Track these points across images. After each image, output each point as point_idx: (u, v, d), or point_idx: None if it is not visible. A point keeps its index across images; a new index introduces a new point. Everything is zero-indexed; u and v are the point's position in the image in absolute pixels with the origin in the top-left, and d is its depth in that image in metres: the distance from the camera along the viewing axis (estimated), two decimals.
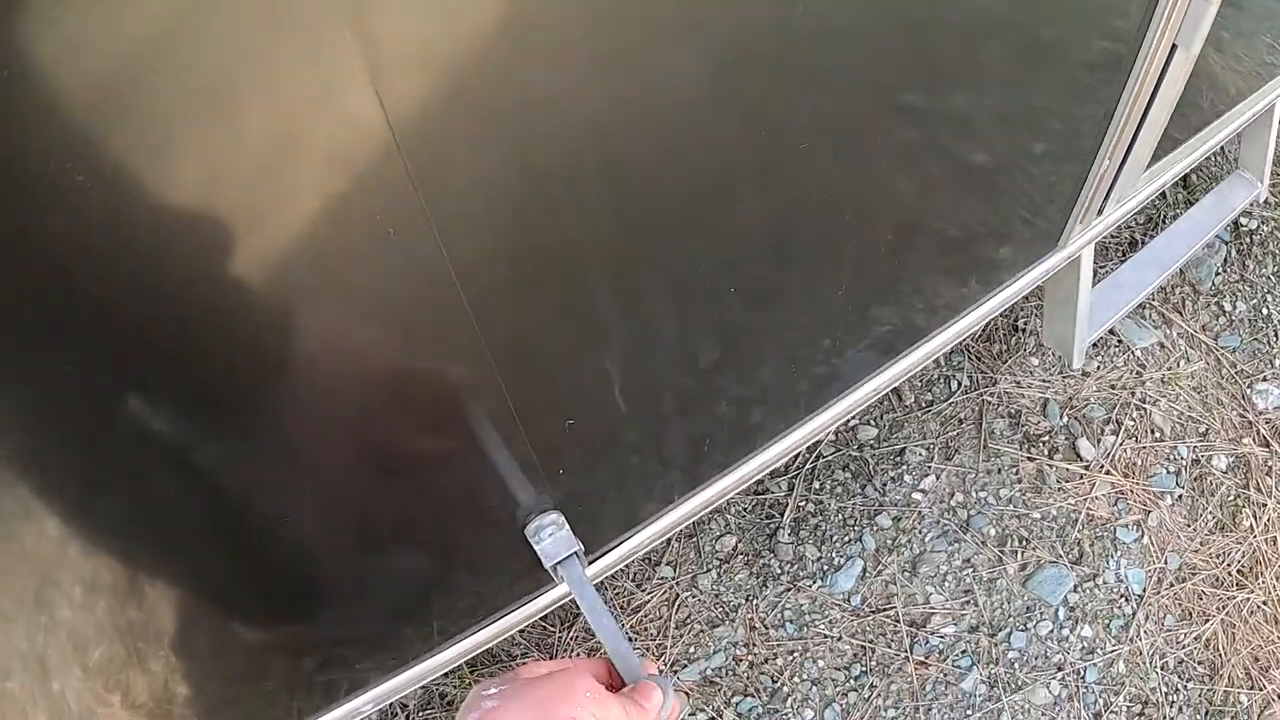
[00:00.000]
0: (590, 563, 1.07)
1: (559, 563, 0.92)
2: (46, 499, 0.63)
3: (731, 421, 1.04)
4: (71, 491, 0.64)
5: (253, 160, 0.52)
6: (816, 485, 1.60)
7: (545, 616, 1.52)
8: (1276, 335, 1.96)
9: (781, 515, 1.58)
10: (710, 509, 1.09)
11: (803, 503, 1.59)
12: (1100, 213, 1.20)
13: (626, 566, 1.54)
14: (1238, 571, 1.69)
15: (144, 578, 0.74)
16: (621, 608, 1.52)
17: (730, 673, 1.50)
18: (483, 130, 0.60)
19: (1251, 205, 1.99)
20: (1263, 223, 2.10)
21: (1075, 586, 1.61)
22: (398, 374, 0.72)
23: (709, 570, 1.54)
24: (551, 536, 0.92)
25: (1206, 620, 1.64)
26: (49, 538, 0.65)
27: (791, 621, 1.52)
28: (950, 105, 0.95)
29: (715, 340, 0.93)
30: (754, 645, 1.51)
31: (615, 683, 0.83)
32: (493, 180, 0.63)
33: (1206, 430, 1.80)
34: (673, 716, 0.80)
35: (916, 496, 1.61)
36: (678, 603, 1.52)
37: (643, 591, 1.53)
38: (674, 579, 1.54)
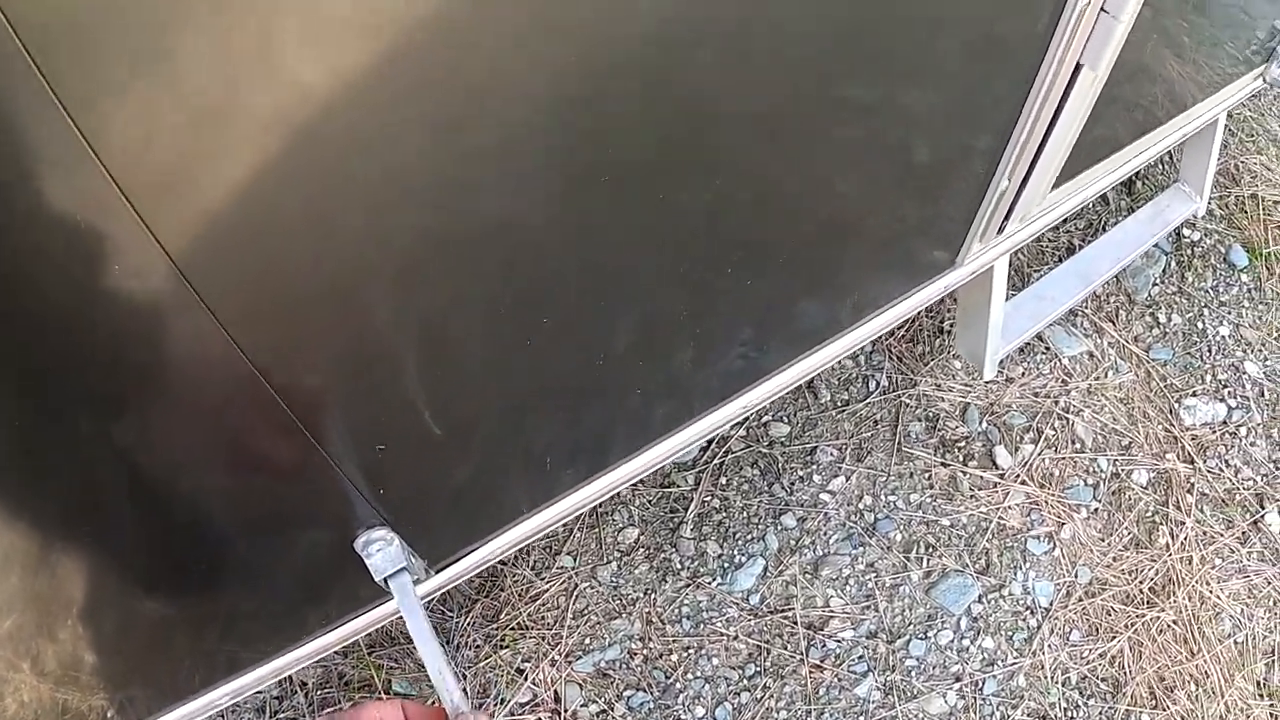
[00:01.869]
0: (437, 571, 1.06)
1: (389, 577, 0.91)
2: None
3: (573, 441, 1.02)
4: None
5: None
6: (723, 481, 1.59)
7: (446, 603, 1.51)
8: (1211, 350, 1.96)
9: (686, 510, 1.57)
10: (570, 518, 1.07)
11: (708, 498, 1.58)
12: (1001, 231, 1.18)
13: (526, 554, 1.52)
14: (1149, 589, 1.69)
15: (54, 553, 0.78)
16: (519, 595, 1.51)
17: (624, 666, 1.49)
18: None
19: (1193, 218, 1.97)
20: (1205, 235, 2.09)
21: (980, 597, 1.60)
22: (200, 412, 0.72)
23: (609, 562, 1.53)
24: (380, 551, 0.92)
25: (1113, 637, 1.64)
26: None
27: (689, 618, 1.51)
28: (849, 117, 0.92)
29: (536, 367, 0.91)
30: (649, 639, 1.50)
31: None
32: (267, 230, 0.62)
33: (1129, 444, 1.80)
34: None
35: (824, 497, 1.60)
36: (576, 593, 1.51)
37: (542, 580, 1.51)
38: (574, 569, 1.52)
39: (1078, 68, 1.06)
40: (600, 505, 1.58)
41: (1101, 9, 1.01)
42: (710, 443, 1.62)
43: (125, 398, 0.68)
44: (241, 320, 0.64)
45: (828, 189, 1.01)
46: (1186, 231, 2.06)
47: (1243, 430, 1.89)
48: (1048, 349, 1.83)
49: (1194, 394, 1.89)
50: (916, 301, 1.23)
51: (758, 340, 1.08)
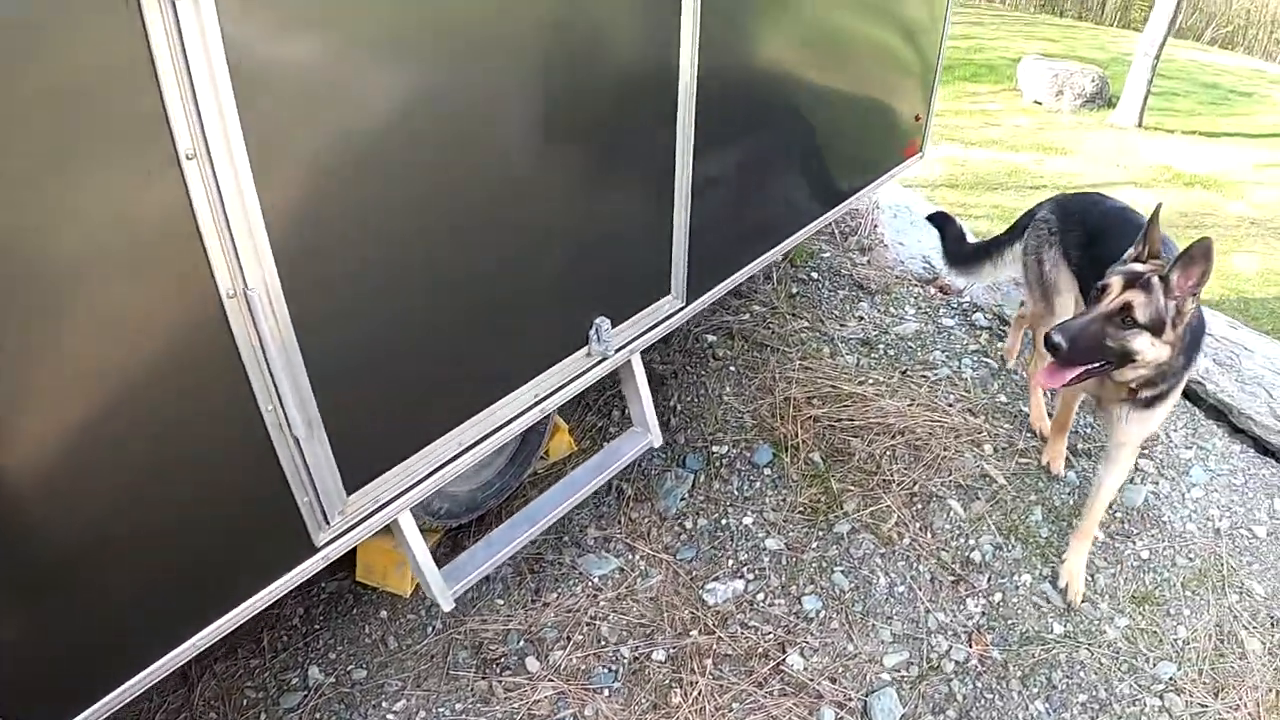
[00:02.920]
0: None
1: None
2: None
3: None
4: None
5: None
6: (318, 716, 2.27)
7: None
8: (733, 539, 2.56)
9: None
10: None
11: None
12: (330, 523, 1.91)
13: None
14: None
15: None
16: None
17: None
18: None
19: (651, 450, 2.63)
20: (733, 446, 2.75)
21: None
22: None
23: None
24: None
25: None
26: None
27: None
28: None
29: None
30: None
31: None
32: None
33: (653, 632, 2.39)
34: None
35: (389, 717, 2.26)
36: None
37: None
38: None
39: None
40: None
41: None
42: (309, 689, 2.32)
43: None
44: None
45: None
46: (716, 449, 2.73)
47: (760, 596, 2.45)
48: (581, 574, 2.49)
49: (716, 579, 2.48)
50: (286, 582, 1.87)
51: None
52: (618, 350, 2.14)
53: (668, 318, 2.33)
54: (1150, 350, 2.04)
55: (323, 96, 1.47)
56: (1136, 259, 2.10)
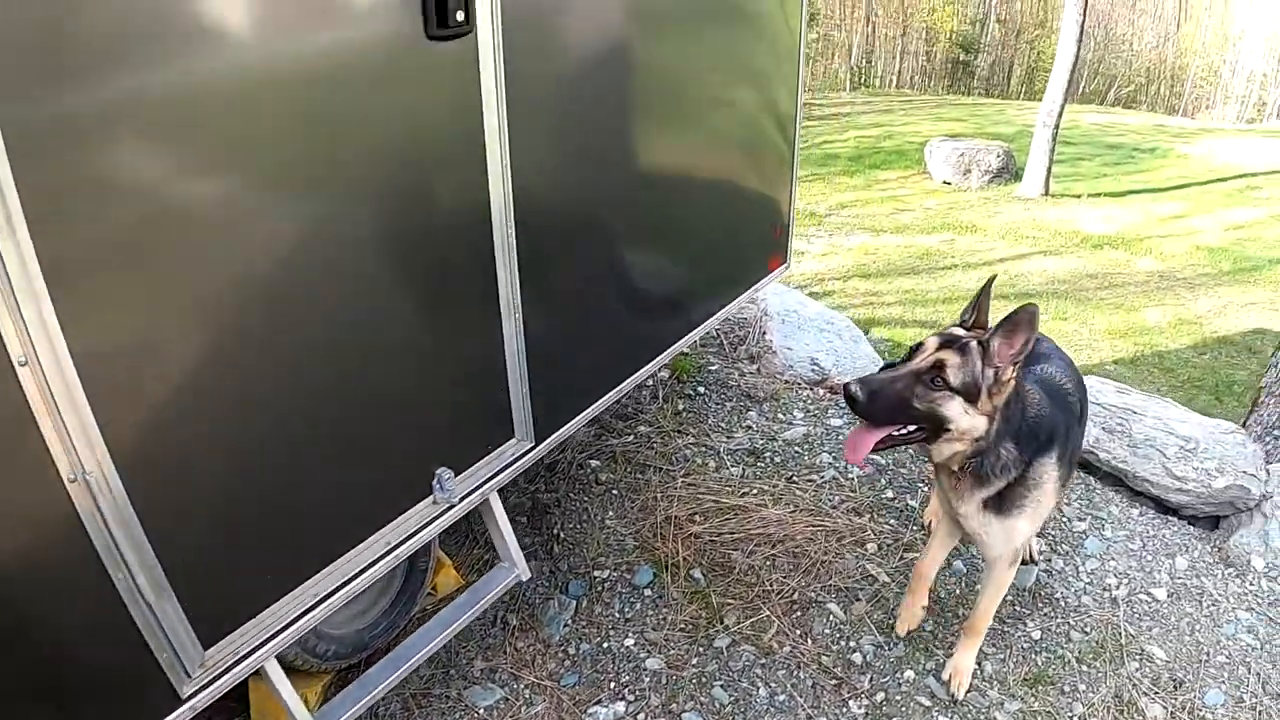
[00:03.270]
0: None
1: None
2: None
3: None
4: None
5: None
6: None
7: None
8: (614, 661, 2.65)
9: None
10: None
11: None
12: (191, 677, 1.96)
13: None
14: None
15: None
16: None
17: None
18: None
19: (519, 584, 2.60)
20: (614, 569, 2.85)
21: None
22: None
23: None
24: None
25: None
26: None
27: None
28: None
29: None
30: None
31: None
32: None
33: None
34: None
35: None
36: None
37: None
38: None
39: None
40: None
41: None
42: None
43: None
44: None
45: None
46: (598, 573, 2.83)
47: (641, 716, 2.53)
48: (467, 706, 2.55)
49: (599, 702, 2.56)
50: None
51: None
52: (465, 497, 2.25)
53: (516, 460, 2.41)
54: (963, 419, 1.98)
55: (138, 300, 1.61)
56: (961, 324, 2.10)
